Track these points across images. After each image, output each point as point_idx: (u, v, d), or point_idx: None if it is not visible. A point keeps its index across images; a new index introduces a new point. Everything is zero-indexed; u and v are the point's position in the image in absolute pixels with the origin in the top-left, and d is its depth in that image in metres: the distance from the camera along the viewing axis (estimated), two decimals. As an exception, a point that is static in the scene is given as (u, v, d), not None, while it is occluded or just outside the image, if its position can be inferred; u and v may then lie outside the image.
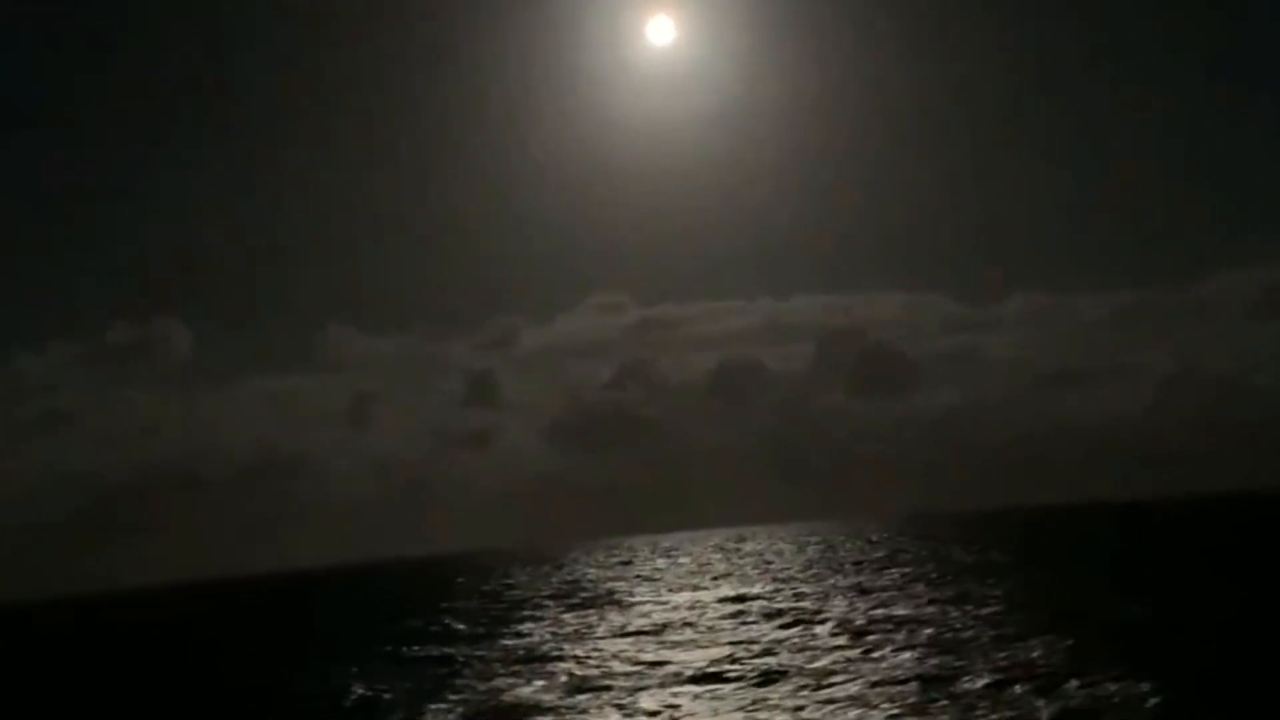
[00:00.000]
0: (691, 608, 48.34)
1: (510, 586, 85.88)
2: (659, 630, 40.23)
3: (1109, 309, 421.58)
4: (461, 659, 36.89)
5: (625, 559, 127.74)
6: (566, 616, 50.23)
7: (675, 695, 26.14)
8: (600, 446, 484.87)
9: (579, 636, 40.87)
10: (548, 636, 42.23)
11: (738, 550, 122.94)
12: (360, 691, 31.24)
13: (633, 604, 53.96)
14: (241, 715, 31.68)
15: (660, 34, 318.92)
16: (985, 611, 36.33)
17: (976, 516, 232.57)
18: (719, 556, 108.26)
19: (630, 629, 41.67)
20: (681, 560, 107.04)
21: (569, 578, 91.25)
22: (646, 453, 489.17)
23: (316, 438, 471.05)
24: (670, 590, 62.29)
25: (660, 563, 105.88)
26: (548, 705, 26.48)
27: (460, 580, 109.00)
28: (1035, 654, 26.76)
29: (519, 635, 43.81)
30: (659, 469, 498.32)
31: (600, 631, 41.96)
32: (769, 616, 41.13)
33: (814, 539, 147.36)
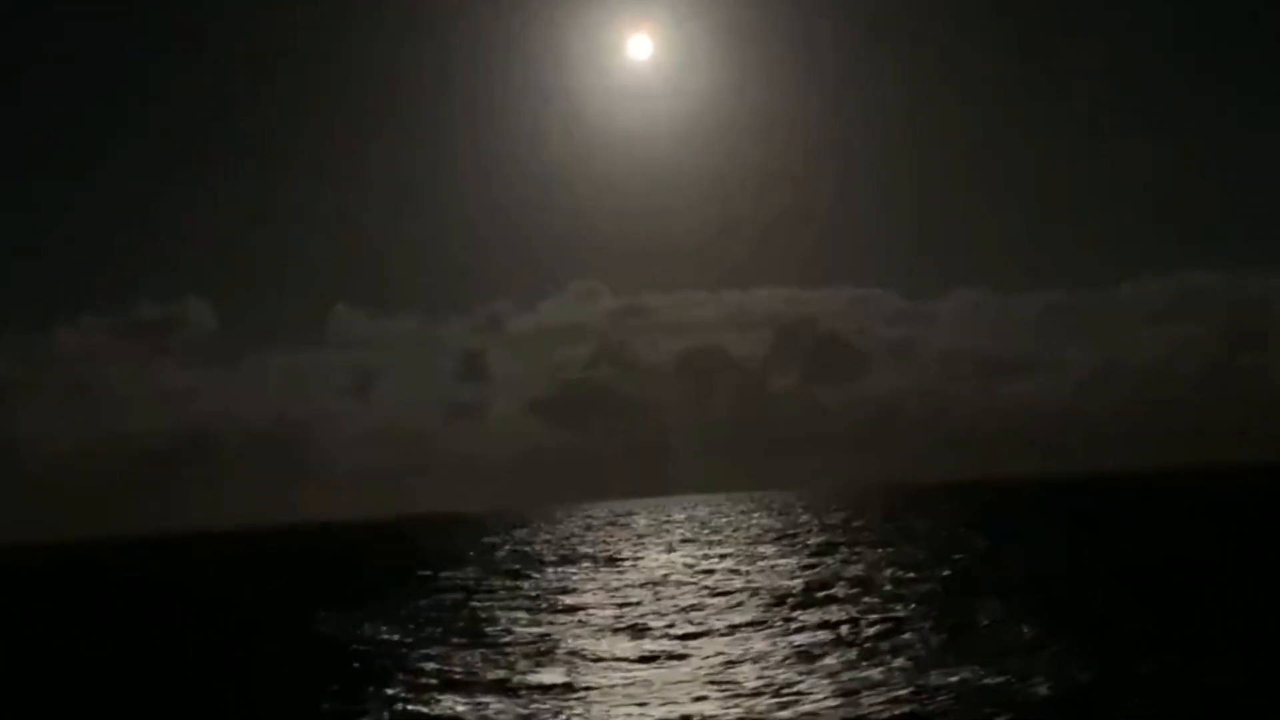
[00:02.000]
0: (676, 566, 49.02)
1: (508, 544, 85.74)
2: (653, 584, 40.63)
3: (1039, 306, 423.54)
4: (479, 605, 36.53)
5: (608, 522, 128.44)
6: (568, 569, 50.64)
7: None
8: (579, 420, 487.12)
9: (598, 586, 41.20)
10: (573, 583, 42.63)
11: (700, 518, 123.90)
12: (386, 635, 30.34)
13: (621, 560, 54.68)
14: (268, 654, 29.74)
15: (639, 50, 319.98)
16: (917, 573, 36.94)
17: (915, 489, 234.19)
18: (689, 522, 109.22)
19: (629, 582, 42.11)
20: (666, 525, 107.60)
21: (562, 536, 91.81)
22: (621, 427, 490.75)
23: (325, 407, 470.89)
24: (658, 550, 63.04)
25: (642, 526, 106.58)
26: (581, 647, 26.19)
27: (459, 538, 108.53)
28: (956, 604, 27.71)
29: (535, 581, 44.03)
30: (632, 442, 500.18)
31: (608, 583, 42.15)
32: (733, 573, 42.15)
33: (769, 507, 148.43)
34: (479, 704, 19.74)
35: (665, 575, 43.89)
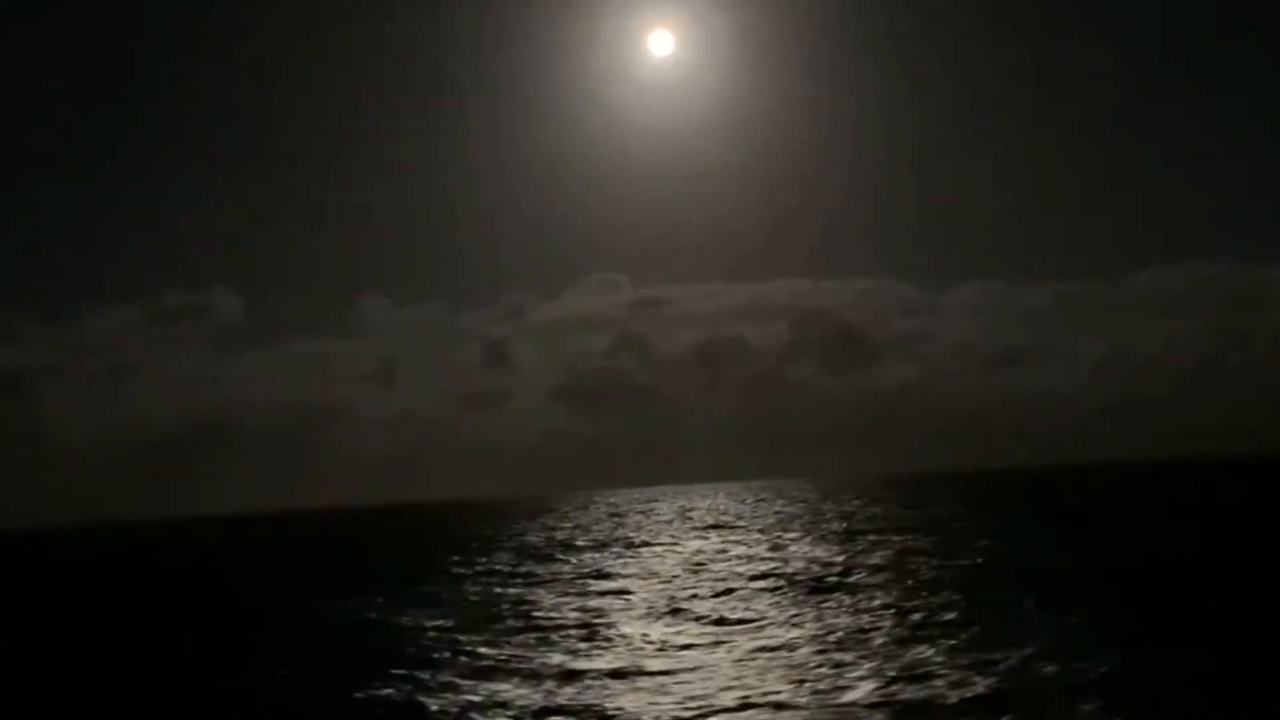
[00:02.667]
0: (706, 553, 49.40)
1: (538, 529, 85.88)
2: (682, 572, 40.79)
3: (1050, 298, 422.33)
4: (521, 589, 36.60)
5: (632, 510, 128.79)
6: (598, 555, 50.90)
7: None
8: (598, 409, 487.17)
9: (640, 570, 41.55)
10: (614, 567, 43.08)
11: (718, 505, 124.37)
12: (433, 621, 29.84)
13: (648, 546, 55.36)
14: (301, 641, 28.70)
15: (660, 46, 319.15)
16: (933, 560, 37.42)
17: (926, 476, 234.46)
18: (716, 508, 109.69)
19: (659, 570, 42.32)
20: (690, 512, 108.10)
21: (591, 521, 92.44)
22: (639, 415, 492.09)
23: (349, 395, 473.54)
24: (686, 537, 63.56)
25: (664, 515, 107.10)
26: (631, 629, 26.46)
27: (483, 524, 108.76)
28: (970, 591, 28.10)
29: (573, 566, 44.34)
30: (650, 430, 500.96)
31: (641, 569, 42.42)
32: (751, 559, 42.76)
33: (789, 495, 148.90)
34: (539, 690, 19.82)
35: (701, 560, 44.44)
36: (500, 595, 35.52)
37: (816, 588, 31.54)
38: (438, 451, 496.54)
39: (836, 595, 29.74)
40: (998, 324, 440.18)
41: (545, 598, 33.94)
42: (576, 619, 28.43)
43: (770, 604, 29.07)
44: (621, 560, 47.79)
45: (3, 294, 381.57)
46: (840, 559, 39.95)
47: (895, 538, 49.73)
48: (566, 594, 34.77)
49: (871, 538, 50.62)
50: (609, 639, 25.09)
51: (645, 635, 25.22)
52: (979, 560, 36.95)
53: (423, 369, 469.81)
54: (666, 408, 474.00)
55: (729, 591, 32.14)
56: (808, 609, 27.66)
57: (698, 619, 27.34)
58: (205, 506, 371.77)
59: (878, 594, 29.24)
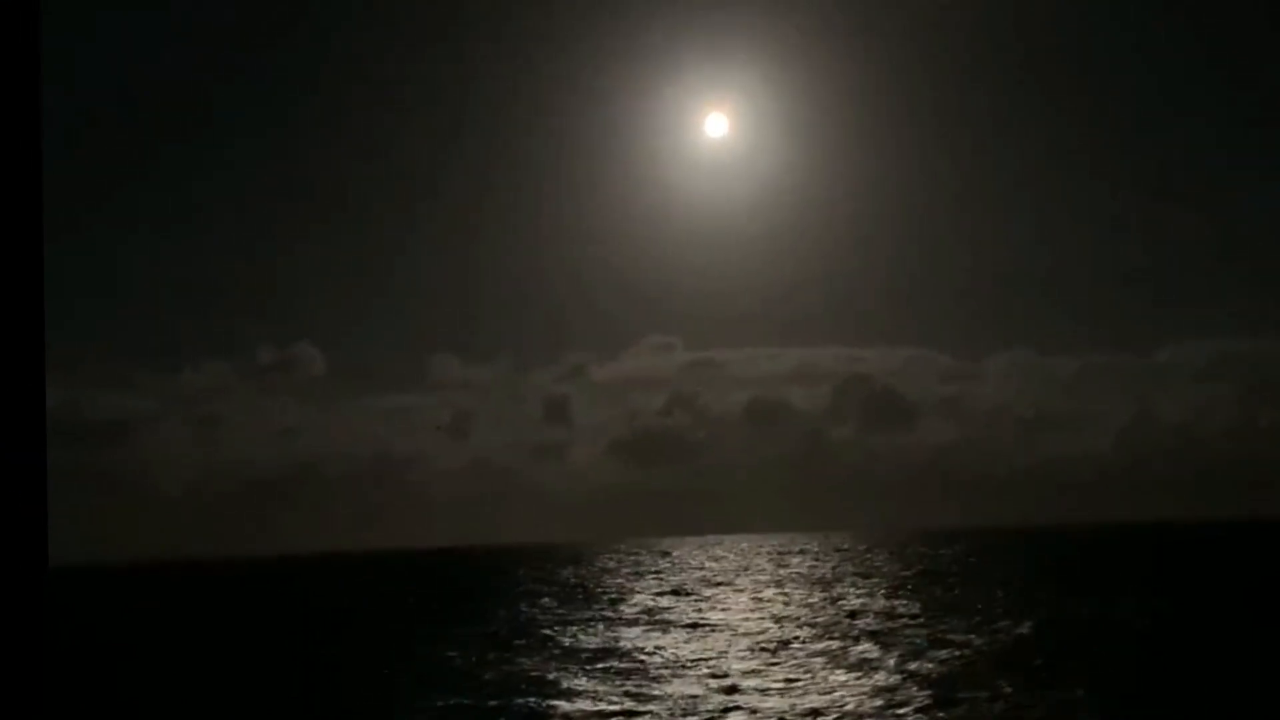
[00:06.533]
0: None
1: (623, 573, 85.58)
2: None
3: (1079, 367, 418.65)
4: (625, 631, 36.62)
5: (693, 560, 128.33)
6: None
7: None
8: (653, 463, 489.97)
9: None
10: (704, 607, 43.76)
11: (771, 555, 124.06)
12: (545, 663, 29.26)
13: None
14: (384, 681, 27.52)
15: (716, 128, 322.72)
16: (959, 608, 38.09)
17: (962, 532, 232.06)
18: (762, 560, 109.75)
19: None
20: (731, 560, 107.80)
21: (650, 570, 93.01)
22: (691, 470, 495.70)
23: (423, 445, 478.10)
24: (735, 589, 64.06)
25: (710, 563, 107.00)
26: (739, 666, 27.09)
27: (555, 569, 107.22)
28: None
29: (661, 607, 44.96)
30: (701, 483, 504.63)
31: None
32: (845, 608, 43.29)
33: (827, 548, 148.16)
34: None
35: (780, 608, 44.83)
36: (600, 636, 35.45)
37: (902, 633, 32.28)
38: (505, 498, 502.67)
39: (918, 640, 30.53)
40: (1031, 390, 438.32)
41: (649, 638, 34.35)
42: (684, 656, 29.08)
43: (850, 649, 29.90)
44: (709, 601, 48.29)
45: (123, 344, 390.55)
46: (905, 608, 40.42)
47: (950, 593, 50.32)
48: (670, 632, 35.12)
49: (934, 589, 51.08)
50: (726, 676, 25.77)
51: (751, 670, 26.27)
52: (1034, 622, 37.56)
53: (491, 422, 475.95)
54: (716, 462, 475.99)
55: (815, 632, 33.05)
56: (897, 648, 28.48)
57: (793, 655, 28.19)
58: (293, 545, 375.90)
59: (950, 644, 30.02)
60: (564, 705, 22.23)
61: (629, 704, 22.22)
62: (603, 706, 21.81)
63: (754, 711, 21.26)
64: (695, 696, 22.73)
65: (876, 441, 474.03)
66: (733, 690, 23.15)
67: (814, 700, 21.67)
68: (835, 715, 20.31)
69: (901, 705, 20.79)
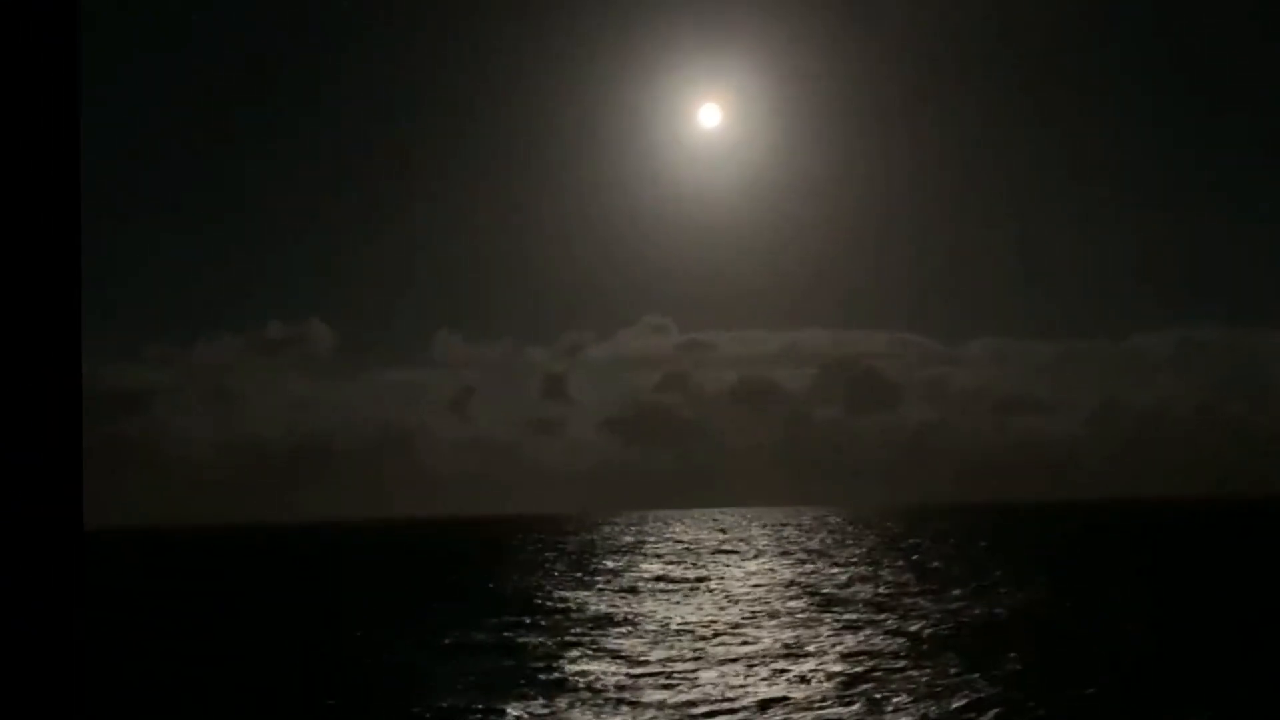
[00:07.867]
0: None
1: (624, 542, 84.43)
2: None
3: (1053, 353, 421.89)
4: (630, 597, 36.57)
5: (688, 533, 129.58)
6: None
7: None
8: (646, 439, 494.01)
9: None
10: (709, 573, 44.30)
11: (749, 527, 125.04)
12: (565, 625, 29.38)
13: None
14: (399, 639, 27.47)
15: (709, 118, 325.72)
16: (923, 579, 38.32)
17: (941, 509, 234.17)
18: (753, 531, 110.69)
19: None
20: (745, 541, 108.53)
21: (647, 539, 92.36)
22: (682, 446, 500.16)
23: (428, 420, 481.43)
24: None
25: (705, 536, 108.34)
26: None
27: (556, 539, 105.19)
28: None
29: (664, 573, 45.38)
30: (691, 459, 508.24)
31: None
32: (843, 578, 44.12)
33: (812, 520, 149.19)
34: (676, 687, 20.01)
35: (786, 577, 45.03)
36: (612, 603, 35.38)
37: (899, 601, 33.04)
38: (505, 471, 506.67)
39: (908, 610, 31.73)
40: (1009, 373, 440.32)
41: (655, 607, 34.46)
42: (697, 620, 29.76)
43: (851, 618, 31.00)
44: (714, 569, 47.87)
45: (138, 319, 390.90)
46: (894, 579, 41.57)
47: (936, 564, 50.74)
48: (678, 600, 35.31)
49: (919, 559, 52.60)
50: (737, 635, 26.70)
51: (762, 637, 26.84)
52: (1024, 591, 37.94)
53: (492, 398, 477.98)
54: (708, 439, 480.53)
55: (818, 601, 34.10)
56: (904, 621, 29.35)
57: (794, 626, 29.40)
58: (302, 514, 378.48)
59: (928, 612, 30.73)
60: (570, 669, 22.27)
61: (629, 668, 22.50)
62: (613, 670, 22.19)
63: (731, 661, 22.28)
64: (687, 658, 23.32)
65: (860, 421, 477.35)
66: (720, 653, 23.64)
67: (806, 665, 22.10)
68: (814, 679, 20.61)
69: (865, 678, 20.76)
